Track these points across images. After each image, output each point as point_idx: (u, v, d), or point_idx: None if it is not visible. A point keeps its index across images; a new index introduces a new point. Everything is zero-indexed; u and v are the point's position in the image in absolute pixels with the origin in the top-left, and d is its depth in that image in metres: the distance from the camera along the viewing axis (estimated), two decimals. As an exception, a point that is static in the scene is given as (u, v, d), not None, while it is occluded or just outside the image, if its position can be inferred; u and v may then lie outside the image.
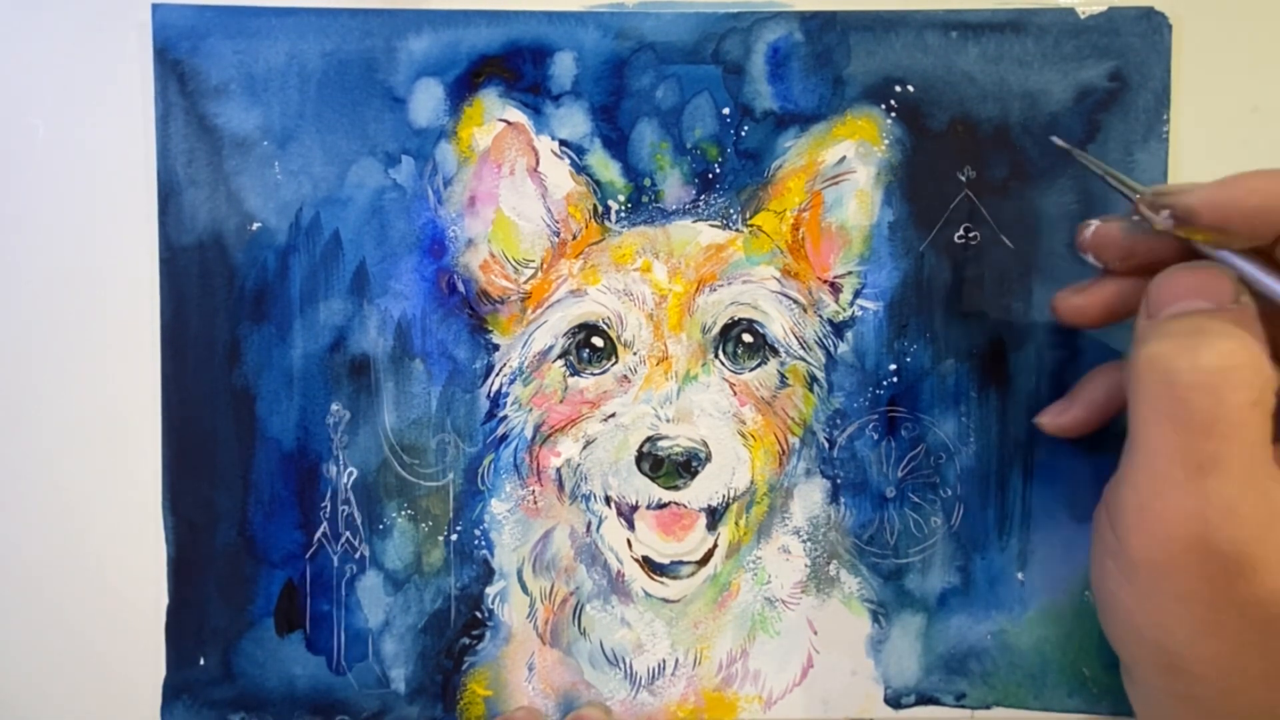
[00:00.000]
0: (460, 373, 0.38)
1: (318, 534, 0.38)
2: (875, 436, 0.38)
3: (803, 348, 0.38)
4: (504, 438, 0.38)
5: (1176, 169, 0.38)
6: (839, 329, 0.38)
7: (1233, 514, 0.27)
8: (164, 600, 0.38)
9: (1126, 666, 0.33)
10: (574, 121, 0.38)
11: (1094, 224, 0.33)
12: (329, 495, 0.38)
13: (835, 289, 0.38)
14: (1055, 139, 0.36)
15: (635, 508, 0.38)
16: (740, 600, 0.39)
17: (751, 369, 0.38)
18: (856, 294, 0.38)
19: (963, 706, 0.38)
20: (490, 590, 0.39)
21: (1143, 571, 0.29)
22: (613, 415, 0.38)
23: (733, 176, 0.38)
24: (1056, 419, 0.36)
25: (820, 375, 0.38)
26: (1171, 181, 0.38)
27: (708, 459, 0.37)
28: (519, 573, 0.39)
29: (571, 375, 0.38)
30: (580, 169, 0.38)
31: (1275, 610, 0.27)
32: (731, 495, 0.38)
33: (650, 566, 0.38)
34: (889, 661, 0.38)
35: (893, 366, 0.38)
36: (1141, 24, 0.38)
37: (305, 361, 0.38)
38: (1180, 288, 0.30)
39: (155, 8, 0.38)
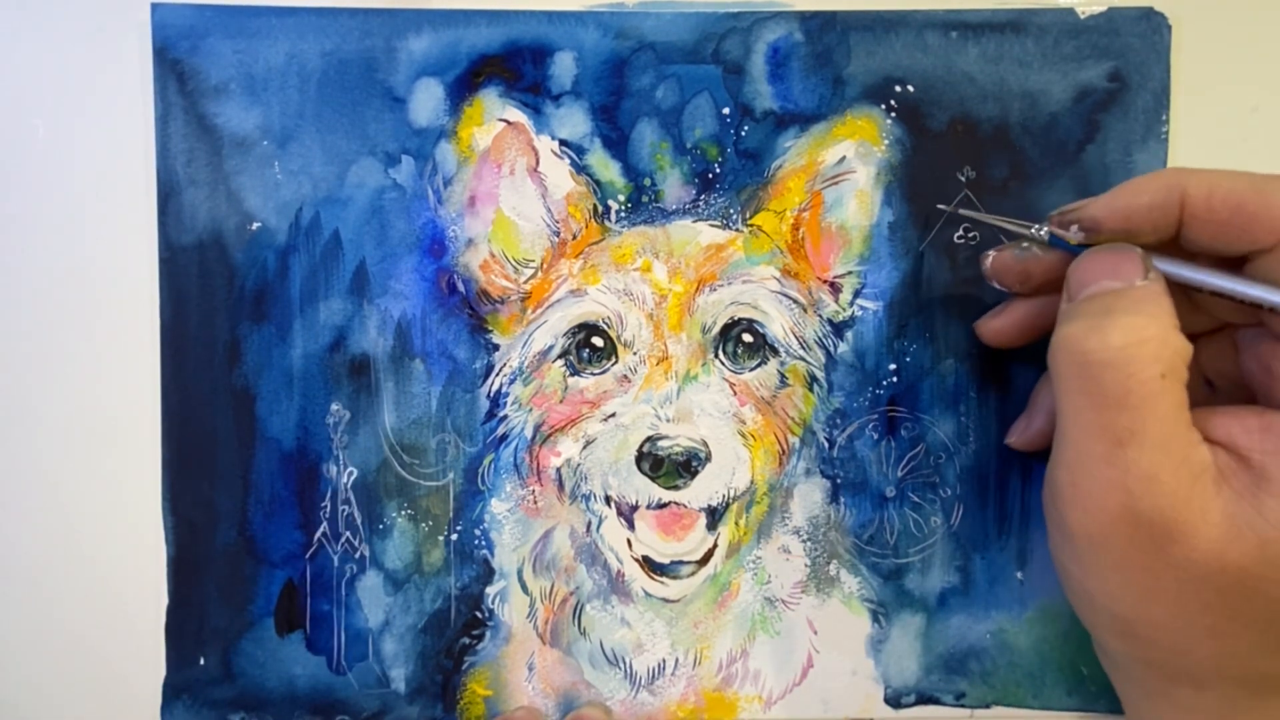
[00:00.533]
0: (460, 373, 0.38)
1: (318, 534, 0.38)
2: (875, 436, 0.38)
3: (803, 348, 0.38)
4: (504, 437, 0.38)
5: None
6: (839, 329, 0.38)
7: (1153, 482, 0.28)
8: (164, 600, 0.38)
9: (1094, 638, 0.34)
10: (574, 121, 0.38)
11: (990, 254, 0.35)
12: (329, 495, 0.38)
13: (835, 289, 0.38)
14: (940, 206, 0.37)
15: (635, 508, 0.38)
16: (740, 600, 0.39)
17: (751, 369, 0.38)
18: (856, 294, 0.38)
19: (962, 706, 0.39)
20: (490, 590, 0.39)
21: (1081, 544, 0.30)
22: (613, 415, 0.38)
23: (733, 176, 0.38)
24: (1023, 435, 0.37)
25: (820, 375, 0.38)
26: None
27: (708, 459, 0.37)
28: (519, 573, 0.39)
29: (571, 375, 0.38)
30: (580, 169, 0.38)
31: (1209, 569, 0.28)
32: (731, 495, 0.38)
33: (650, 566, 0.38)
34: (889, 661, 0.38)
35: (893, 366, 0.38)
36: (1141, 24, 0.38)
37: (305, 361, 0.38)
38: (1093, 270, 0.31)
39: (155, 7, 0.38)
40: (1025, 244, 0.34)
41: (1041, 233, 0.33)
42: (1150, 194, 0.31)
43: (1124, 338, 0.29)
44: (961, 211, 0.37)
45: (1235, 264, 0.31)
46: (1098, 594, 0.31)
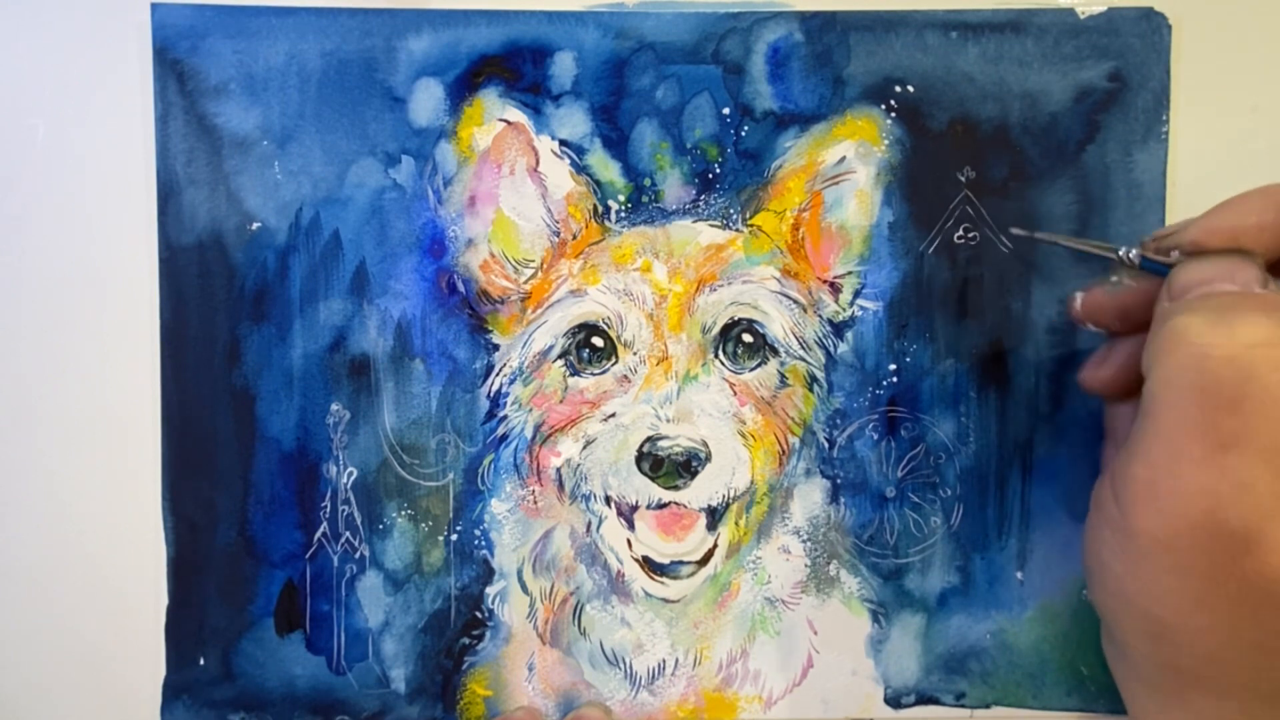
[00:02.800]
0: (460, 373, 0.38)
1: (318, 534, 0.38)
2: (875, 436, 0.38)
3: (803, 348, 0.38)
4: (504, 438, 0.38)
5: (1175, 169, 0.38)
6: (839, 329, 0.38)
7: (1249, 491, 0.27)
8: (164, 600, 0.38)
9: (1110, 632, 0.33)
10: (574, 121, 0.38)
11: (1079, 295, 0.34)
12: (329, 495, 0.38)
13: (835, 289, 0.38)
14: (1014, 229, 0.36)
15: (635, 508, 0.38)
16: (740, 600, 0.39)
17: (751, 369, 0.38)
18: (856, 294, 0.38)
19: (962, 706, 0.39)
20: (490, 590, 0.39)
21: (1143, 543, 0.29)
22: (613, 415, 0.38)
23: (733, 176, 0.38)
24: (1095, 372, 0.35)
25: (820, 375, 0.38)
26: (1170, 184, 0.38)
27: (708, 459, 0.37)
28: (519, 573, 0.39)
29: (571, 375, 0.38)
30: (580, 169, 0.38)
31: (1276, 585, 0.28)
32: (731, 495, 0.38)
33: (650, 566, 0.38)
34: (889, 661, 0.38)
35: (892, 366, 0.38)
36: (1141, 24, 0.38)
37: (305, 361, 0.38)
38: (1207, 272, 0.30)
39: (154, 7, 0.38)
40: (1115, 278, 0.32)
41: (1132, 256, 0.32)
42: (1259, 214, 0.29)
43: (1254, 336, 0.27)
44: (1038, 235, 0.36)
45: None
46: (1142, 595, 0.30)
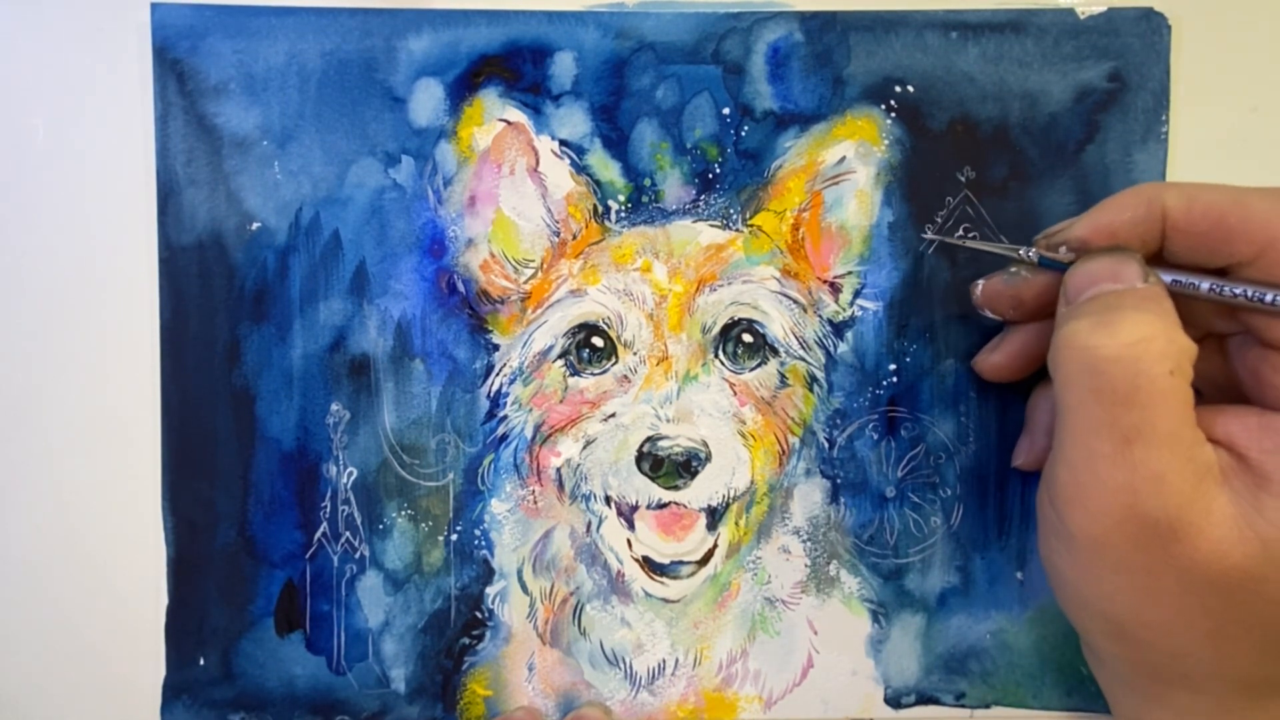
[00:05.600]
0: (460, 373, 0.38)
1: (318, 534, 0.38)
2: (875, 436, 0.38)
3: (803, 348, 0.38)
4: (504, 438, 0.38)
5: (1175, 169, 0.38)
6: (839, 329, 0.38)
7: (1160, 481, 0.28)
8: (164, 600, 0.38)
9: (1083, 639, 0.34)
10: (574, 121, 0.38)
11: (980, 283, 0.35)
12: (329, 495, 0.38)
13: (835, 289, 0.38)
14: (926, 234, 0.38)
15: (635, 508, 0.38)
16: (740, 600, 0.39)
17: (751, 369, 0.38)
18: (856, 294, 0.38)
19: (962, 706, 0.39)
20: (490, 590, 0.39)
21: (1082, 545, 0.30)
22: (613, 415, 0.38)
23: (733, 176, 0.38)
24: (1029, 455, 0.37)
25: (820, 375, 0.38)
26: (1170, 180, 0.38)
27: (708, 459, 0.37)
28: (519, 573, 0.39)
29: (571, 375, 0.38)
30: (580, 169, 0.38)
31: (1212, 571, 0.28)
32: (731, 495, 0.38)
33: (650, 566, 0.38)
34: (889, 661, 0.38)
35: (893, 366, 0.38)
36: (1141, 24, 0.38)
37: (305, 361, 0.38)
38: (1092, 274, 0.31)
39: (154, 7, 0.38)
40: (1014, 269, 0.34)
41: (1030, 255, 0.33)
42: (1132, 209, 0.31)
43: (1133, 334, 0.28)
44: (947, 240, 0.37)
45: (1217, 276, 0.31)
46: (1094, 596, 0.31)
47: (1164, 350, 0.28)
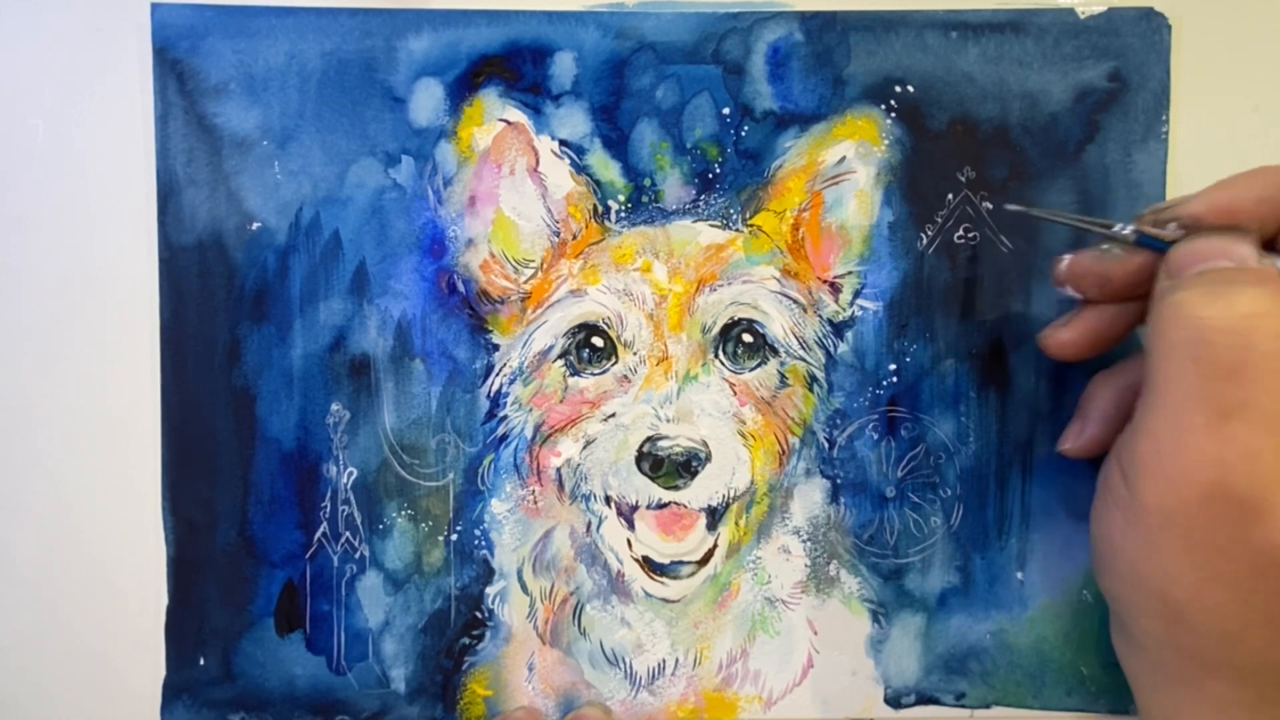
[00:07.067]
0: (460, 373, 0.38)
1: (318, 534, 0.38)
2: (875, 436, 0.38)
3: (803, 348, 0.38)
4: (504, 438, 0.38)
5: (1175, 169, 0.38)
6: (839, 329, 0.38)
7: (1255, 459, 0.28)
8: (164, 600, 0.38)
9: (1120, 620, 0.33)
10: (574, 121, 0.38)
11: (1067, 258, 0.34)
12: (329, 495, 0.38)
13: (835, 289, 0.38)
14: (1010, 205, 0.36)
15: (635, 508, 0.38)
16: (740, 600, 0.39)
17: (751, 369, 0.38)
18: (856, 294, 0.38)
19: (962, 706, 0.39)
20: (490, 590, 0.39)
21: (1153, 519, 0.30)
22: (613, 415, 0.38)
23: (733, 176, 0.38)
24: (1077, 441, 0.36)
25: (820, 375, 0.38)
26: (1170, 184, 0.38)
27: (708, 459, 0.37)
28: (519, 573, 0.39)
29: (571, 375, 0.38)
30: (580, 169, 0.38)
31: None
32: (731, 495, 0.38)
33: (650, 566, 0.38)
34: (889, 661, 0.38)
35: (893, 366, 0.38)
36: (1141, 24, 0.38)
37: (305, 361, 0.38)
38: (1203, 251, 0.30)
39: (154, 7, 0.38)
40: (1106, 245, 0.33)
41: (1127, 232, 0.32)
42: (1260, 189, 0.30)
43: (1250, 307, 0.28)
44: (1033, 212, 0.36)
45: None
46: (1153, 574, 0.30)
47: (1276, 329, 0.28)
